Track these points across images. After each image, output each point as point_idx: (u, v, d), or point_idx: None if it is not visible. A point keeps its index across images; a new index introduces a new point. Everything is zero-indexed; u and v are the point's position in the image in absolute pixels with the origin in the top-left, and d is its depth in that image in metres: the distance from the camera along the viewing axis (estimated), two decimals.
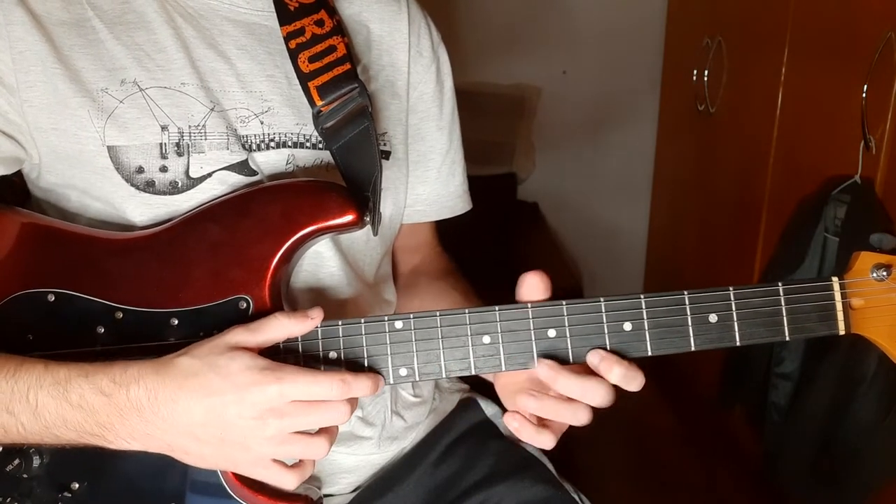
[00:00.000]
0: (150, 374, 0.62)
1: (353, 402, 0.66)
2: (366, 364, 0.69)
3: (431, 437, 0.91)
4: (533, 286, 0.70)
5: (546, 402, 0.68)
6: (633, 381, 0.67)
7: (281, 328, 0.66)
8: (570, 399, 0.68)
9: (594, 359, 0.67)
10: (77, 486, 0.68)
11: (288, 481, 0.66)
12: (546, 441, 0.69)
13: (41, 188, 0.78)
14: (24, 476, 0.67)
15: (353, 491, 0.87)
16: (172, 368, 0.62)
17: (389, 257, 0.94)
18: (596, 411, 0.69)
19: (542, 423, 0.69)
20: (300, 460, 0.68)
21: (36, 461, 0.67)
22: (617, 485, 2.11)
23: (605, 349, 0.68)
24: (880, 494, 1.52)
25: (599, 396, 0.67)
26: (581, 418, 0.68)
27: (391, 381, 0.69)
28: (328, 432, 0.67)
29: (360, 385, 0.65)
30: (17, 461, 0.66)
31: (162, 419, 0.62)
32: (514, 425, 0.69)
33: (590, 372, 0.68)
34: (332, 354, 0.69)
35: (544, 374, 0.67)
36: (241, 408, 0.61)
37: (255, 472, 0.66)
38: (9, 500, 0.68)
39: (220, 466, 0.66)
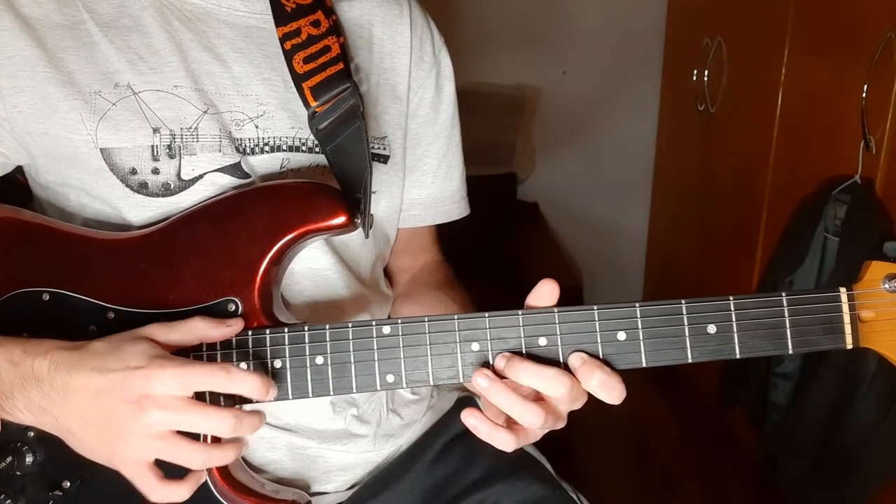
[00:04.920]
0: (59, 350, 0.63)
1: (241, 420, 0.62)
2: (353, 370, 0.68)
3: (429, 436, 0.91)
4: (545, 294, 0.67)
5: (497, 387, 0.64)
6: (612, 390, 0.64)
7: (196, 330, 0.66)
8: (528, 397, 0.64)
9: (576, 361, 0.65)
10: (68, 484, 0.68)
11: (157, 494, 0.63)
12: (503, 440, 0.65)
13: (41, 185, 0.78)
14: (18, 473, 0.68)
15: (349, 489, 0.87)
16: (81, 349, 0.63)
17: (383, 262, 0.94)
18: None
19: (509, 423, 0.66)
20: (182, 479, 0.65)
21: (29, 459, 0.68)
22: (616, 485, 2.11)
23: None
24: (880, 495, 1.52)
25: (560, 390, 0.63)
26: (531, 419, 0.63)
27: (378, 388, 0.68)
28: (219, 447, 0.64)
29: (246, 381, 0.62)
30: (9, 458, 0.66)
31: (56, 392, 0.62)
32: (470, 422, 0.65)
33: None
34: (319, 360, 0.68)
35: (500, 365, 0.64)
36: (123, 390, 0.61)
37: (127, 470, 0.64)
38: (2, 496, 0.68)
39: (100, 456, 0.64)
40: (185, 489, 0.65)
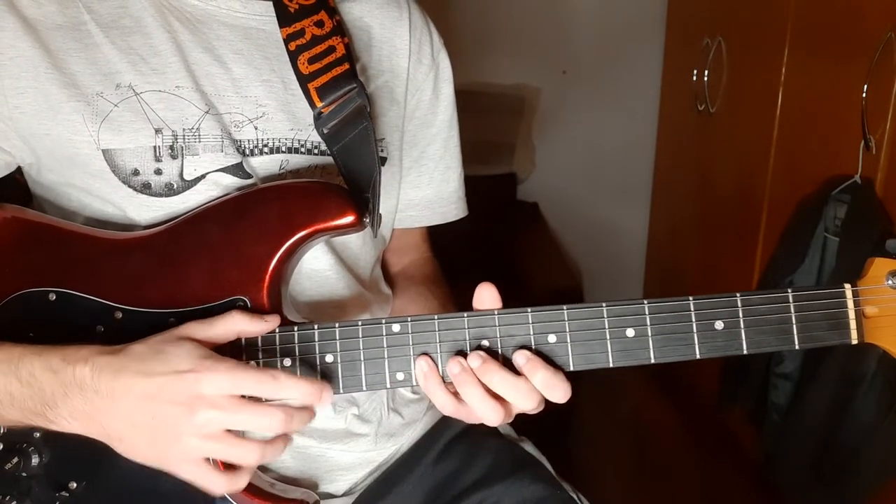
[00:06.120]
0: (99, 355, 0.62)
1: (291, 416, 0.63)
2: (363, 367, 0.68)
3: (430, 436, 0.91)
4: (486, 298, 0.68)
5: (466, 375, 0.65)
6: (555, 390, 0.65)
7: (235, 325, 0.66)
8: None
9: (520, 359, 0.65)
10: (75, 485, 0.68)
11: (217, 485, 0.64)
12: (442, 401, 0.66)
13: (42, 185, 0.78)
14: (24, 475, 0.67)
15: (350, 488, 0.87)
16: (121, 352, 0.63)
17: (380, 262, 0.94)
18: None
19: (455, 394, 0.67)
20: (237, 467, 0.65)
21: (35, 460, 0.68)
22: (616, 484, 2.11)
23: (530, 349, 0.66)
24: (880, 494, 1.52)
25: (529, 404, 0.65)
26: (488, 414, 0.65)
27: (388, 385, 0.68)
28: (269, 442, 0.65)
29: (295, 387, 0.63)
30: (15, 459, 0.66)
31: (101, 399, 0.62)
32: (423, 368, 0.66)
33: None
34: (329, 358, 0.68)
35: (475, 364, 0.65)
36: (173, 393, 0.61)
37: (184, 470, 0.63)
38: (7, 498, 0.68)
39: (152, 460, 0.64)
40: (243, 477, 0.65)
